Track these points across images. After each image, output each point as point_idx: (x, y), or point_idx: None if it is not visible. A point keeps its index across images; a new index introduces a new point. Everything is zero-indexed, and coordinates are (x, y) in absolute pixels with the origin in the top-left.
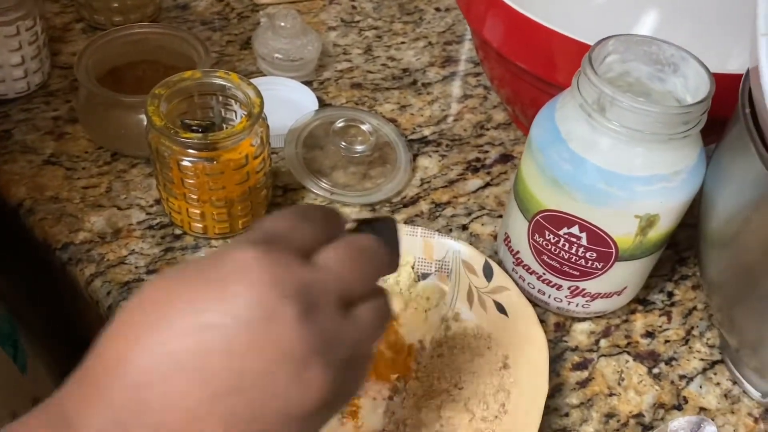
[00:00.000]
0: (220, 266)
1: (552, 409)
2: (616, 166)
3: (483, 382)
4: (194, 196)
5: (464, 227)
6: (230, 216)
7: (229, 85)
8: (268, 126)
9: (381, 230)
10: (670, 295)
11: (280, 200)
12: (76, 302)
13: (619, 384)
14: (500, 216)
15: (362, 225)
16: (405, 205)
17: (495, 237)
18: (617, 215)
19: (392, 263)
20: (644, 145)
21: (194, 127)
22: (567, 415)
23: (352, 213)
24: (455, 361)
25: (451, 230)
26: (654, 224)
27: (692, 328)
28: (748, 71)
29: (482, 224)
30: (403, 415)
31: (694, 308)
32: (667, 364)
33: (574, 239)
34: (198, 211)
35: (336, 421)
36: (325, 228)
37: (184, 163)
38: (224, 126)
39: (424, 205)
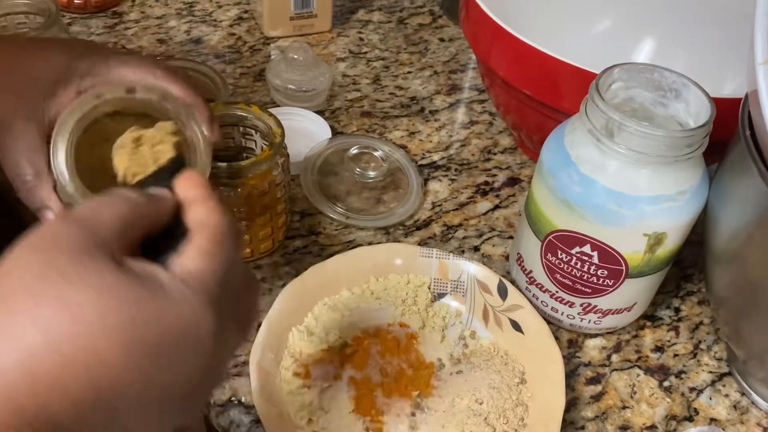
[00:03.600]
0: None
1: (568, 422)
2: (624, 187)
3: (502, 397)
4: None
5: (476, 248)
6: (252, 241)
7: (249, 116)
8: (288, 155)
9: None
10: (677, 310)
11: (297, 225)
12: None
13: (631, 397)
14: (510, 237)
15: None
16: (418, 228)
17: (506, 257)
18: (627, 234)
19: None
20: (650, 167)
21: (219, 157)
22: (583, 428)
23: (366, 236)
24: (474, 378)
25: (463, 251)
26: (662, 242)
27: (700, 342)
28: (746, 96)
29: (493, 245)
30: (426, 431)
31: (701, 323)
32: (677, 377)
33: (586, 258)
34: None
35: None
36: None
37: None
38: (245, 155)
39: (436, 228)
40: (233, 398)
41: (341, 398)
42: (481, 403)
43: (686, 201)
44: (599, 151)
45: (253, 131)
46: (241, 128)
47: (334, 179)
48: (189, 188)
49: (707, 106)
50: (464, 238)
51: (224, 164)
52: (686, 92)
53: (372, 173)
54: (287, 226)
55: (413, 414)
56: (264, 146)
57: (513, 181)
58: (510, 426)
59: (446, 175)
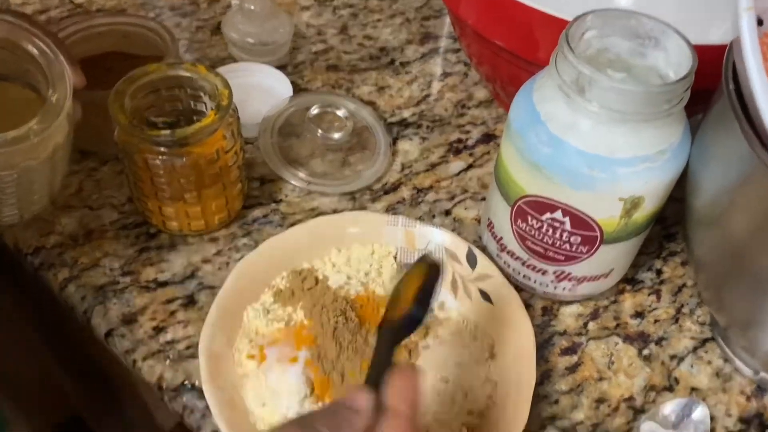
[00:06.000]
0: None
1: (541, 396)
2: (597, 148)
3: (470, 374)
4: (166, 195)
5: (447, 212)
6: (205, 213)
7: (195, 77)
8: (238, 118)
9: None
10: (659, 272)
11: (256, 192)
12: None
13: (608, 368)
14: (484, 199)
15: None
16: (386, 192)
17: (479, 221)
18: (600, 199)
19: None
20: (626, 126)
21: (161, 124)
22: (556, 402)
23: (331, 203)
24: (441, 354)
25: (434, 216)
26: (639, 206)
27: (682, 306)
28: (731, 44)
29: (465, 208)
30: None
31: (684, 285)
32: (657, 344)
33: (557, 224)
34: (171, 210)
35: None
36: None
37: (153, 161)
38: (195, 119)
39: (405, 191)
40: (186, 382)
41: (298, 382)
42: (446, 382)
43: (665, 161)
44: (570, 109)
45: (201, 93)
46: (189, 90)
47: (296, 141)
48: (401, 401)
49: (689, 55)
50: (435, 201)
51: (168, 131)
52: (666, 40)
53: (336, 134)
54: (244, 194)
55: None
56: (212, 109)
57: (488, 138)
58: (477, 405)
59: (417, 134)
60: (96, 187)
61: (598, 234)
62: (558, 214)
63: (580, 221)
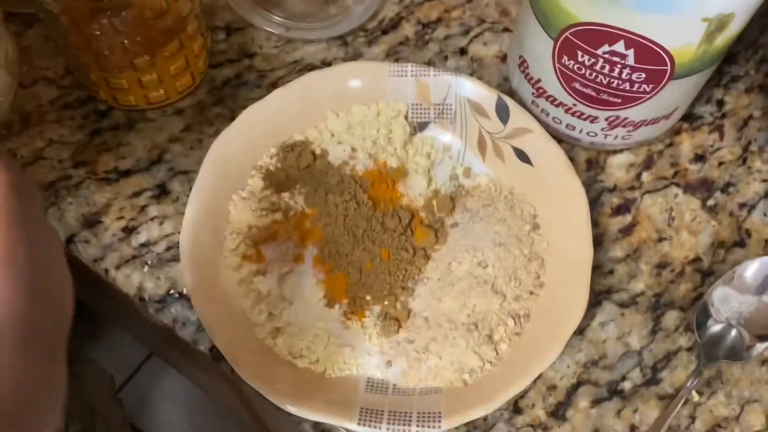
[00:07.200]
0: None
1: (593, 267)
2: None
3: (511, 255)
4: (110, 63)
5: (462, 51)
6: (162, 80)
7: None
8: None
9: None
10: (720, 104)
11: (223, 46)
12: None
13: (669, 225)
14: (506, 30)
15: None
16: (384, 32)
17: (502, 59)
18: (679, 22)
19: None
20: None
21: None
22: (611, 272)
23: (318, 52)
24: (474, 232)
25: (446, 57)
26: (725, 27)
27: (749, 142)
28: None
29: (484, 44)
30: (420, 306)
31: (750, 117)
32: (723, 192)
33: (617, 59)
34: (120, 80)
35: (338, 325)
36: None
37: (86, 20)
38: None
39: (408, 29)
40: (172, 291)
41: (307, 284)
42: (484, 267)
43: None
44: None
45: None
46: None
47: None
48: None
49: None
50: (446, 38)
51: None
52: None
53: None
54: (208, 50)
55: (402, 288)
56: None
57: None
58: (523, 289)
59: None
60: (24, 58)
61: (669, 68)
62: (619, 46)
63: (647, 53)
